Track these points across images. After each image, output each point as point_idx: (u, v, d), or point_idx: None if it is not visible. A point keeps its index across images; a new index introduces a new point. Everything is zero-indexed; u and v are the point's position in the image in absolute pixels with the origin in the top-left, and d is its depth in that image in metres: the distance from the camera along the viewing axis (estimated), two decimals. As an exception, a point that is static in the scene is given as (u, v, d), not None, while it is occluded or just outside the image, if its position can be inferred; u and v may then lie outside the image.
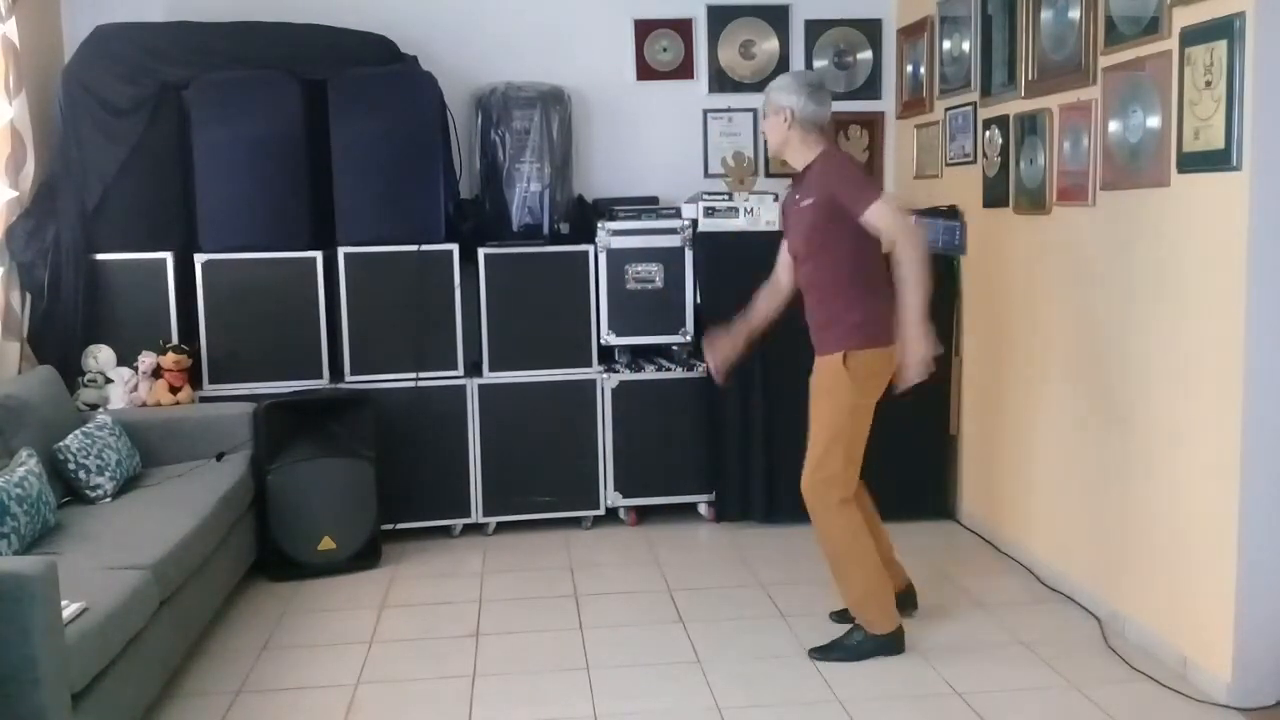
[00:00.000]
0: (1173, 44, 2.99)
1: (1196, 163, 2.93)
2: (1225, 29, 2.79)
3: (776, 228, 4.54)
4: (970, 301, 4.44)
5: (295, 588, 3.90)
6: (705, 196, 4.56)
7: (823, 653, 3.26)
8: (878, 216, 3.05)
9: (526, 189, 4.50)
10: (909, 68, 4.91)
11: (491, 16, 4.84)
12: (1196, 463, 3.01)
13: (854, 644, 3.25)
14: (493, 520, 4.49)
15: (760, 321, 3.50)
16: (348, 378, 4.31)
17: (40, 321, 4.09)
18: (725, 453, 4.49)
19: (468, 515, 4.44)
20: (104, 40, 4.23)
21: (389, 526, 4.26)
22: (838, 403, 3.20)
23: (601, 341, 4.49)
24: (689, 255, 4.51)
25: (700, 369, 4.50)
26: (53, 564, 2.32)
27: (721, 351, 3.52)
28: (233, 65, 4.25)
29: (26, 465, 3.12)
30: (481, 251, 4.38)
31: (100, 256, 4.16)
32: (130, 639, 2.68)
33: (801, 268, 3.31)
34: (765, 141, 3.33)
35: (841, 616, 3.43)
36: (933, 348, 3.04)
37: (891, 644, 3.25)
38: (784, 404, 4.48)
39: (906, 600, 3.47)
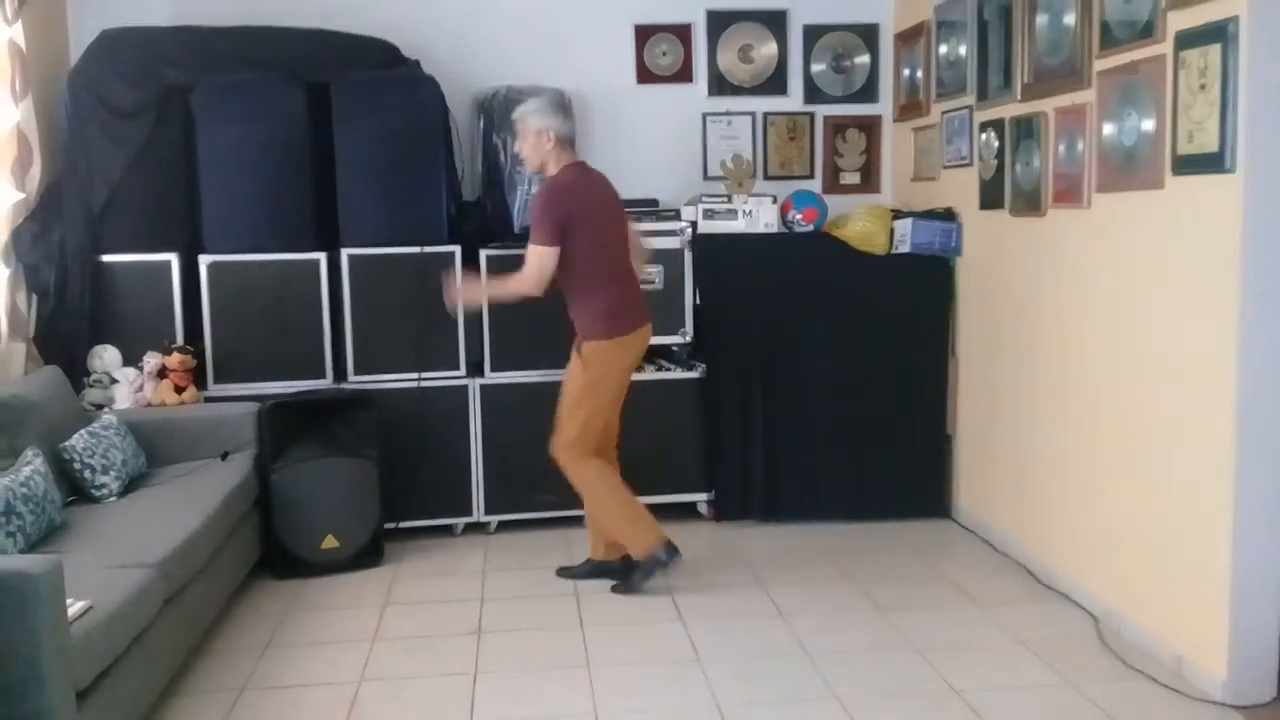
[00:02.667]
0: (1167, 48, 3.02)
1: (1191, 165, 2.95)
2: (1219, 33, 2.81)
3: (776, 230, 4.60)
4: (966, 303, 4.47)
5: (298, 586, 3.92)
6: (704, 199, 4.59)
7: (574, 572, 3.89)
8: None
9: (528, 191, 4.52)
10: (906, 72, 4.94)
11: (493, 21, 4.86)
12: (1191, 462, 3.04)
13: (640, 576, 3.71)
14: (494, 519, 4.51)
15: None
16: (351, 378, 4.34)
17: (46, 322, 4.12)
18: (725, 452, 4.52)
19: (470, 514, 4.46)
20: (109, 44, 4.25)
21: (391, 525, 4.28)
22: (577, 383, 3.69)
23: (602, 342, 4.52)
24: (688, 257, 4.54)
25: (699, 369, 4.54)
26: (58, 563, 2.34)
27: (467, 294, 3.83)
28: (237, 68, 4.27)
29: (32, 465, 3.14)
30: (483, 253, 4.40)
31: (106, 258, 4.19)
32: (135, 637, 2.70)
33: (559, 272, 3.63)
34: (522, 159, 3.74)
35: (568, 571, 3.95)
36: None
37: (666, 553, 3.67)
38: (784, 404, 4.52)
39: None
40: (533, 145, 3.63)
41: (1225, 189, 2.84)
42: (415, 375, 4.34)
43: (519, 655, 3.33)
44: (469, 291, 3.86)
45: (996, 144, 4.05)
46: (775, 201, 4.60)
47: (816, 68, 5.10)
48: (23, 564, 2.33)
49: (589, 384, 3.67)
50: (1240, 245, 2.82)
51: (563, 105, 3.71)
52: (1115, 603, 3.40)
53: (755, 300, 4.50)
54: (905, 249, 4.46)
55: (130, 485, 3.64)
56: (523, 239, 4.46)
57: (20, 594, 2.23)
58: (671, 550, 3.68)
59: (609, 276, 3.66)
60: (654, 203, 4.76)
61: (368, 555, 4.09)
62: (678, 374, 4.55)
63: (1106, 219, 3.40)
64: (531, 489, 4.46)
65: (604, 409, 3.71)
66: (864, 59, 5.12)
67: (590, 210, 3.61)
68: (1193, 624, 3.04)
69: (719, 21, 5.02)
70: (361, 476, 4.06)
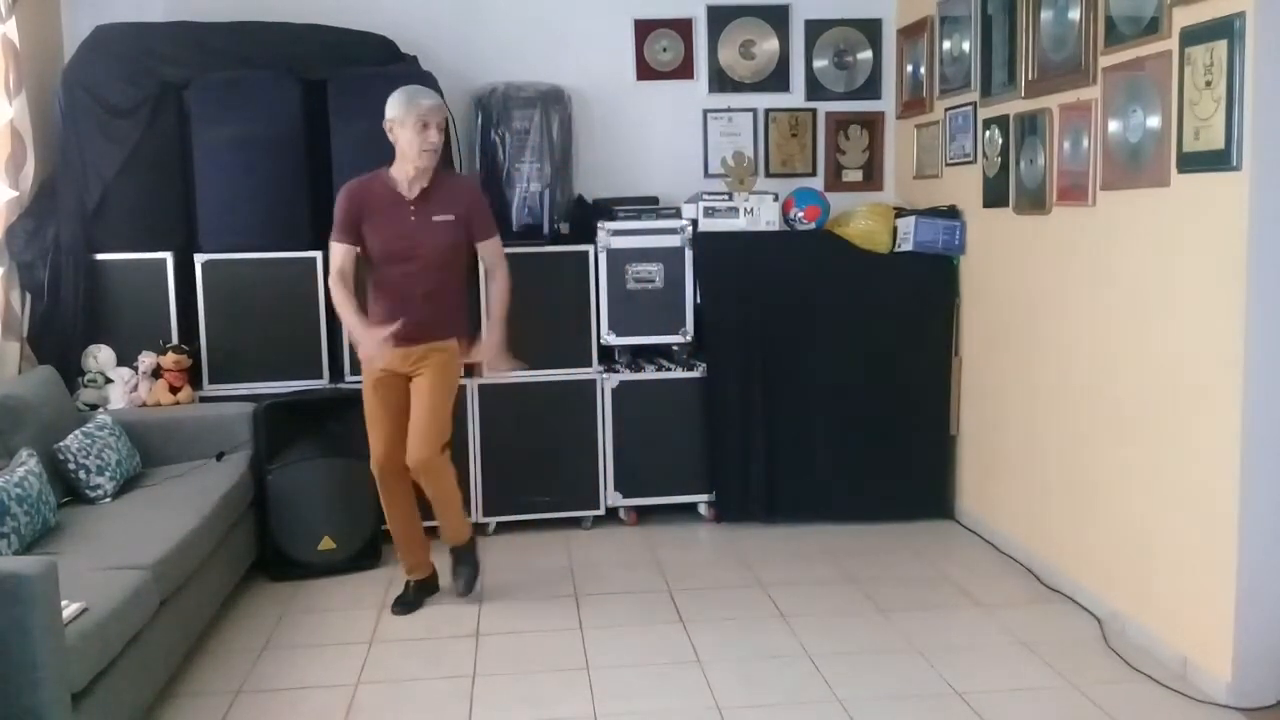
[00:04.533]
0: (1173, 44, 2.99)
1: (1196, 163, 2.93)
2: (1225, 29, 2.79)
3: (777, 228, 4.57)
4: (970, 302, 4.44)
5: (295, 588, 3.90)
6: (705, 196, 4.57)
7: (468, 585, 3.74)
8: (494, 248, 3.64)
9: (526, 189, 4.50)
10: (909, 68, 4.91)
11: (491, 16, 4.84)
12: (1196, 462, 3.01)
13: (476, 559, 3.79)
14: (493, 520, 4.48)
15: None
16: (348, 377, 4.31)
17: (40, 321, 4.09)
18: (725, 452, 4.49)
19: (468, 515, 4.43)
20: (104, 40, 4.23)
21: (389, 527, 4.25)
22: (453, 379, 3.67)
23: (601, 341, 4.50)
24: (689, 255, 4.51)
25: (700, 369, 4.52)
26: (53, 564, 2.32)
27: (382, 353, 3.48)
28: (233, 65, 4.25)
29: (26, 465, 3.12)
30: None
31: (100, 256, 4.16)
32: (130, 639, 2.69)
33: (432, 275, 3.52)
34: (434, 150, 3.47)
35: (421, 587, 3.76)
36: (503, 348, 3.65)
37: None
38: (785, 404, 4.49)
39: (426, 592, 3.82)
40: (440, 139, 3.48)
41: (1231, 186, 2.82)
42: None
43: (518, 657, 3.31)
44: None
45: (1000, 141, 4.02)
46: (777, 199, 4.57)
47: (819, 63, 5.08)
48: (17, 565, 2.31)
49: (454, 379, 3.66)
50: (1247, 243, 2.79)
51: None
52: (1119, 604, 3.38)
53: (756, 299, 4.48)
54: (908, 247, 4.44)
55: (125, 486, 3.62)
56: (522, 236, 4.50)
57: (14, 595, 2.22)
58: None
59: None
60: (654, 200, 4.74)
61: (365, 557, 4.07)
62: (678, 374, 4.52)
63: (1111, 217, 3.37)
64: (530, 490, 4.45)
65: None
66: (866, 55, 5.10)
67: None
68: (1197, 626, 3.02)
69: (720, 17, 4.99)
70: (359, 477, 4.02)
